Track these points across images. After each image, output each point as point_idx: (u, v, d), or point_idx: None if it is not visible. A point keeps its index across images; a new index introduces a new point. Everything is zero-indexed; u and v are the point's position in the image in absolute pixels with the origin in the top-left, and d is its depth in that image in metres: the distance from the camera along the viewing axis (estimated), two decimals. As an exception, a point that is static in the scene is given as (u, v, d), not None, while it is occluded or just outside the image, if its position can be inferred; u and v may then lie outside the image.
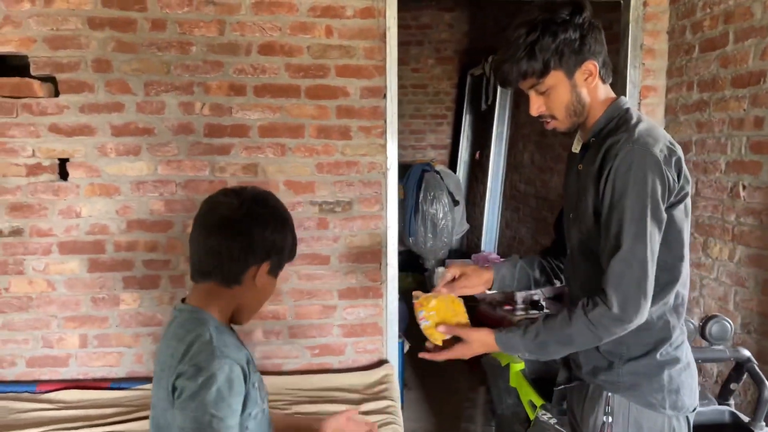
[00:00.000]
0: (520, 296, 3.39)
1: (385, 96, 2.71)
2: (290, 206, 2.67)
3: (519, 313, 3.34)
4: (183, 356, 1.17)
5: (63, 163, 2.59)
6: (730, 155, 2.43)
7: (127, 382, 2.63)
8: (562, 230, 1.59)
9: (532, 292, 3.29)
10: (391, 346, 2.84)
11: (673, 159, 1.34)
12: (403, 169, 5.27)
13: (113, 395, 2.54)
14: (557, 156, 4.24)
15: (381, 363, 2.81)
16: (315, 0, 2.62)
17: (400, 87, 5.85)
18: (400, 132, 6.72)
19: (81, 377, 2.68)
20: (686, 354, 1.45)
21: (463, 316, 1.56)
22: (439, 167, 5.26)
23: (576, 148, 1.52)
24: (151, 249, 2.66)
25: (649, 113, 2.78)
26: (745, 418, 1.96)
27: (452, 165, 6.06)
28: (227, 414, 1.15)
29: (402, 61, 6.07)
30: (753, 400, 2.18)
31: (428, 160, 5.56)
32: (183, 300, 1.31)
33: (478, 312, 3.45)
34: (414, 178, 5.03)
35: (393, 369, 2.78)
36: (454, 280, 1.65)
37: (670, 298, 1.40)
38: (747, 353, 2.02)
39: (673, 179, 1.33)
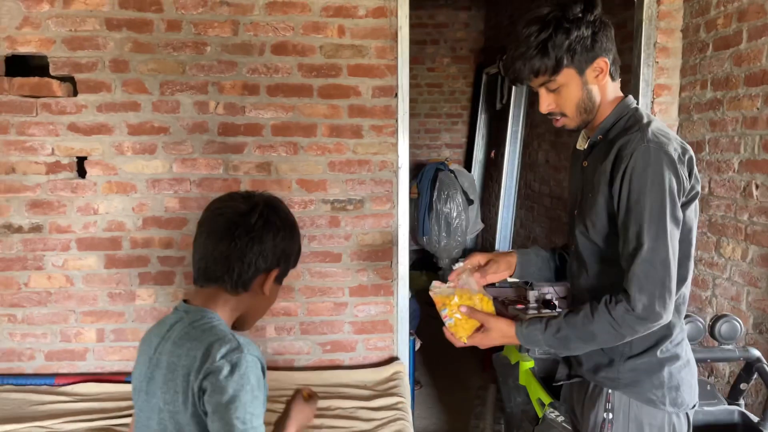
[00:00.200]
0: (532, 295, 3.38)
1: (396, 95, 2.73)
2: (302, 204, 2.74)
3: (531, 311, 3.33)
4: (206, 356, 1.13)
5: (81, 161, 2.65)
6: (743, 154, 2.41)
7: (142, 375, 2.68)
8: None
9: (545, 291, 3.28)
10: (401, 344, 2.86)
11: (686, 158, 1.34)
12: (417, 168, 5.31)
13: (129, 388, 2.56)
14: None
15: (391, 360, 2.83)
16: (328, 0, 2.66)
17: (416, 86, 5.91)
18: (416, 131, 6.69)
19: (98, 371, 2.74)
20: (686, 351, 1.45)
21: (488, 305, 1.51)
22: (453, 166, 5.28)
23: (581, 144, 1.52)
24: (166, 246, 2.71)
25: (662, 112, 2.76)
26: (755, 418, 1.95)
27: (467, 164, 6.06)
28: (260, 412, 1.13)
29: (418, 60, 6.13)
30: (764, 401, 2.17)
31: (443, 159, 5.56)
32: (185, 301, 1.27)
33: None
34: (428, 177, 5.05)
35: (403, 366, 2.79)
36: (478, 267, 1.61)
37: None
38: (757, 353, 2.01)
39: (686, 178, 1.33)
